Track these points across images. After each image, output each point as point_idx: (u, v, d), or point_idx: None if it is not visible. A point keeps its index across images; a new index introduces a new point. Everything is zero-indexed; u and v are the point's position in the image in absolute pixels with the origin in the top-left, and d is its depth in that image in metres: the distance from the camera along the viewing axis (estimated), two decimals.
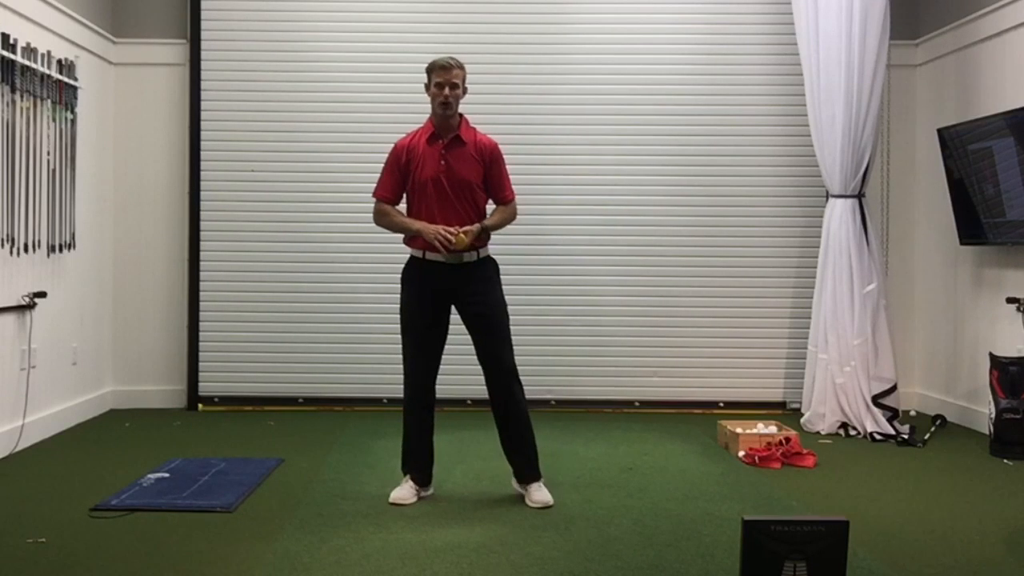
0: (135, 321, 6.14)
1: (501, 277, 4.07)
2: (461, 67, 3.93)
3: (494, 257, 4.08)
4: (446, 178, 3.90)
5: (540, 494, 3.91)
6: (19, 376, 4.91)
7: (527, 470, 3.98)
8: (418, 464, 4.02)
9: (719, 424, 5.20)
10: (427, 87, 3.95)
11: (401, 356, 4.03)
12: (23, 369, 4.94)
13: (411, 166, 3.95)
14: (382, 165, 4.07)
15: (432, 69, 3.91)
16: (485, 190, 4.00)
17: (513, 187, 4.09)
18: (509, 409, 3.95)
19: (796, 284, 6.16)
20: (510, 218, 4.07)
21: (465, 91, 3.95)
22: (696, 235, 6.18)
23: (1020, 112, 4.92)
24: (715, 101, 6.17)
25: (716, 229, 6.17)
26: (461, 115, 3.98)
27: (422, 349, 3.97)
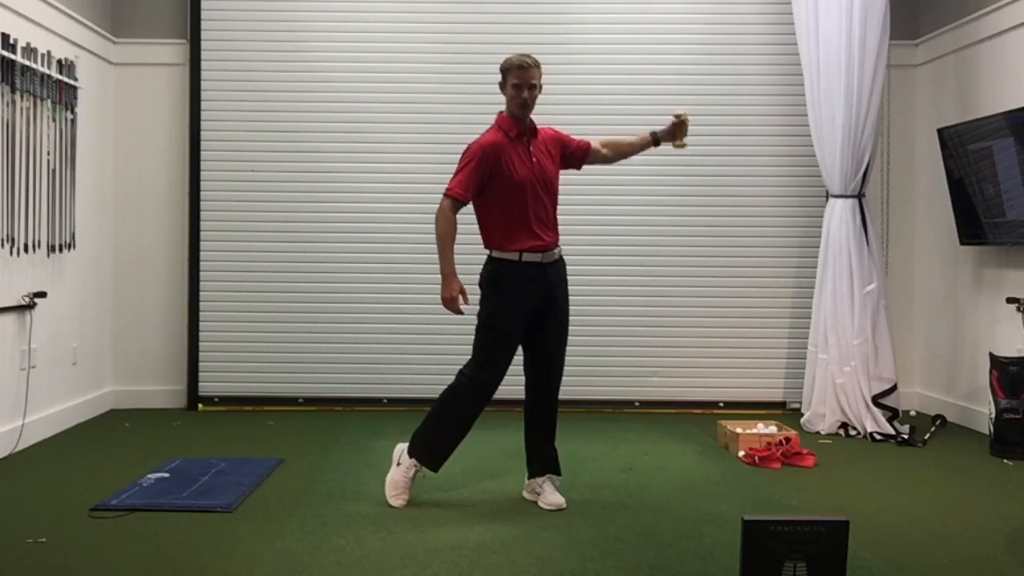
0: (135, 321, 6.14)
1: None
2: (538, 66, 3.82)
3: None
4: (539, 178, 3.88)
5: (554, 496, 3.90)
6: (19, 376, 4.91)
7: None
8: (448, 453, 3.99)
9: (719, 424, 5.20)
10: (503, 87, 3.86)
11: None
12: (23, 369, 4.94)
13: (502, 166, 3.81)
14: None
15: (509, 69, 3.80)
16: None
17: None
18: (552, 399, 4.02)
19: (796, 284, 6.16)
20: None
21: (540, 89, 3.86)
22: (696, 235, 6.17)
23: (1020, 112, 4.92)
24: (715, 101, 6.16)
25: (716, 229, 6.17)
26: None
27: (512, 346, 4.01)
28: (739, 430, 4.93)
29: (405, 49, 6.12)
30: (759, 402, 6.15)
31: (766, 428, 4.99)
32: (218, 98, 6.11)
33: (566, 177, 6.09)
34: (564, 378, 6.01)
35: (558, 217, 4.03)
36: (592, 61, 6.18)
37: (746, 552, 2.64)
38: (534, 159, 3.88)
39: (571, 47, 6.15)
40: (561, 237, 6.06)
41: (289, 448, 4.95)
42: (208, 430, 5.47)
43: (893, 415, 5.47)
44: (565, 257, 6.07)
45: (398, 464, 3.93)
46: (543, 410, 3.98)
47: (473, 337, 3.89)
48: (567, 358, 6.02)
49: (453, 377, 3.91)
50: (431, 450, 3.91)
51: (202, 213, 6.10)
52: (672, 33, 6.18)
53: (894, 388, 5.52)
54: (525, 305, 3.87)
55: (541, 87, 3.89)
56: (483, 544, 3.40)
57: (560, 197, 6.04)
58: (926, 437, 5.30)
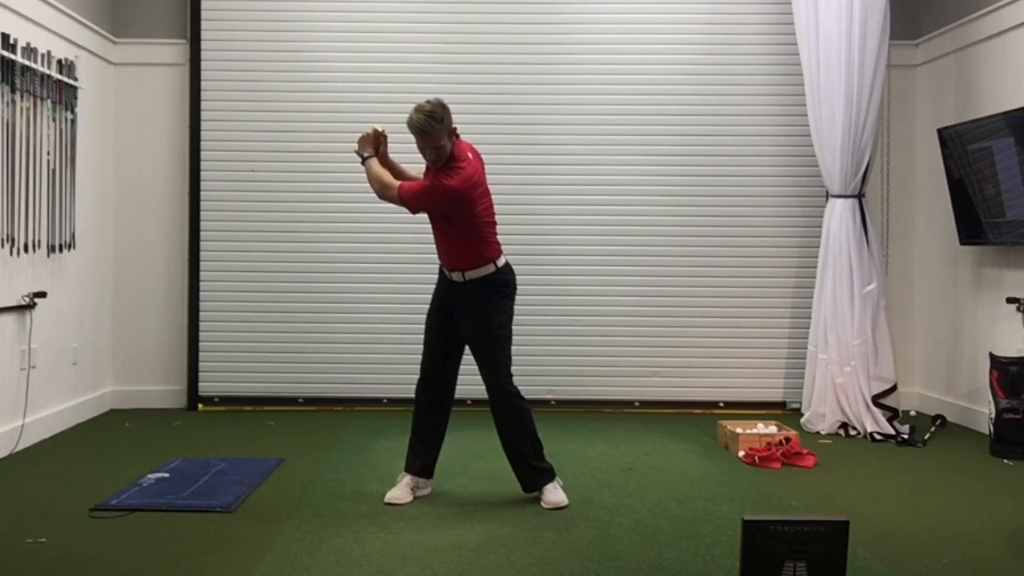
0: (135, 321, 6.14)
1: (507, 296, 3.97)
2: (439, 120, 3.72)
3: (501, 276, 3.94)
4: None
5: (554, 495, 3.91)
6: (19, 376, 4.91)
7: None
8: (415, 454, 4.04)
9: (719, 424, 5.20)
10: None
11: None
12: (23, 369, 4.94)
13: None
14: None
15: (411, 132, 3.79)
16: (458, 219, 3.86)
17: (412, 195, 3.84)
18: (498, 424, 4.00)
19: (796, 284, 6.16)
20: (378, 187, 3.92)
21: (452, 132, 3.80)
22: (696, 235, 6.17)
23: (1020, 112, 4.92)
24: (715, 101, 6.16)
25: (716, 229, 6.17)
26: (457, 140, 3.85)
27: (426, 343, 4.07)
28: (739, 430, 4.93)
29: (405, 49, 6.12)
30: (759, 402, 6.15)
31: (766, 428, 4.99)
32: (218, 98, 6.11)
33: (566, 177, 6.16)
34: (565, 378, 6.13)
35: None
36: (592, 61, 6.17)
37: (746, 552, 2.64)
38: None
39: (571, 47, 6.15)
40: (561, 236, 6.17)
41: (289, 448, 4.95)
42: (208, 430, 5.47)
43: (893, 415, 5.47)
44: (564, 257, 6.14)
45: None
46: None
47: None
48: (570, 358, 6.13)
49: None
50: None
51: (202, 213, 6.10)
52: (672, 33, 6.17)
53: (894, 388, 5.52)
54: (436, 297, 4.07)
55: (452, 131, 3.80)
56: (483, 544, 3.40)
57: (560, 197, 6.13)
58: (926, 437, 5.30)
